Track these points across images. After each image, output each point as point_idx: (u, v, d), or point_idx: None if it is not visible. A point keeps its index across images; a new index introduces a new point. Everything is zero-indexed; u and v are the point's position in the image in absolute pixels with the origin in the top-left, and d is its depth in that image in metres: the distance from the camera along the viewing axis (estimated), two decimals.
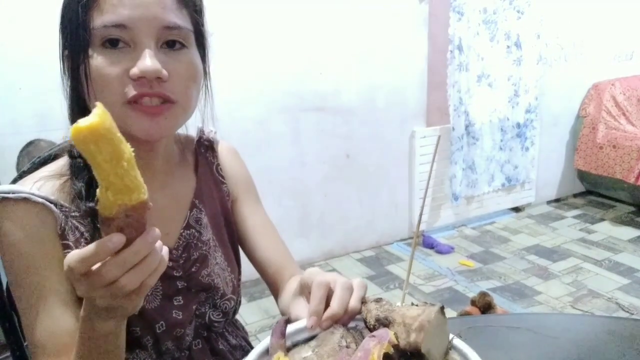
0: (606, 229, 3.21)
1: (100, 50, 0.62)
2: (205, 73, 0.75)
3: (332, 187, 2.89)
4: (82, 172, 0.69)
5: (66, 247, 0.68)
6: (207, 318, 0.81)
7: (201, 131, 0.88)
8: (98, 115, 0.41)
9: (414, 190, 3.13)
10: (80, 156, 0.69)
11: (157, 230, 0.48)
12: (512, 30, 3.07)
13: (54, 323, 0.65)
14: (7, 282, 0.87)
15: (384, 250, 3.08)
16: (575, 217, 3.46)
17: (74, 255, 0.46)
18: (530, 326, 0.84)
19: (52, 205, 0.67)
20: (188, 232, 0.79)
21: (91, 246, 0.45)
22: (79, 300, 0.64)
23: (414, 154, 3.07)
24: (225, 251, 0.84)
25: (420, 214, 0.60)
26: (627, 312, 2.28)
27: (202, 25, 0.71)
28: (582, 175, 3.78)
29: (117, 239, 0.45)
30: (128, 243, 0.46)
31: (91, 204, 0.67)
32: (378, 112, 2.90)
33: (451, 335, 0.47)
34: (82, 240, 0.69)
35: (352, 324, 0.52)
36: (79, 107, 0.68)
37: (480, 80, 3.04)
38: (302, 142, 2.71)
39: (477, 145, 3.14)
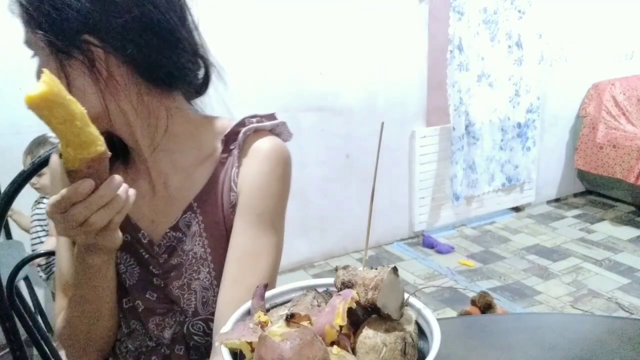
0: (606, 229, 3.21)
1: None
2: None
3: (332, 187, 2.89)
4: None
5: None
6: (184, 329, 0.74)
7: (240, 123, 0.76)
8: (45, 82, 0.46)
9: (414, 190, 3.13)
10: None
11: (119, 177, 0.57)
12: (513, 30, 3.07)
13: (62, 264, 0.77)
14: (7, 282, 0.87)
15: (384, 250, 3.08)
16: (575, 217, 3.46)
17: (51, 200, 0.54)
18: (530, 326, 0.84)
19: None
20: (174, 233, 0.74)
21: (64, 191, 0.53)
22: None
23: (414, 154, 3.07)
24: (218, 268, 0.72)
25: (370, 218, 0.61)
26: (627, 312, 2.28)
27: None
28: (582, 175, 3.78)
29: (87, 184, 0.53)
30: (94, 190, 0.54)
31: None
32: (378, 112, 2.90)
33: (407, 295, 0.55)
34: None
35: (323, 289, 0.59)
36: None
37: (480, 80, 3.04)
38: (302, 142, 2.71)
39: (477, 145, 3.14)
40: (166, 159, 0.75)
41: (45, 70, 0.47)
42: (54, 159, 0.80)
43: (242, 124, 0.76)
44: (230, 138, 0.75)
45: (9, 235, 2.12)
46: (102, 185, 0.55)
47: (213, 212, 0.74)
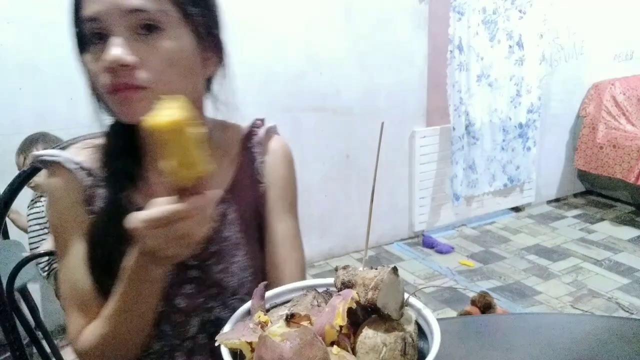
0: (606, 229, 3.21)
1: (89, 48, 0.66)
2: (212, 57, 0.74)
3: (332, 187, 2.89)
4: (112, 144, 0.75)
5: (91, 213, 0.73)
6: (213, 314, 0.79)
7: (254, 124, 0.85)
8: (181, 109, 0.49)
9: (414, 190, 3.14)
10: (110, 134, 0.75)
11: (218, 191, 0.61)
12: (514, 30, 3.07)
13: (77, 278, 0.73)
14: (7, 282, 0.87)
15: (384, 250, 3.08)
16: (575, 217, 3.46)
17: (147, 215, 0.54)
18: (530, 326, 0.84)
19: (81, 172, 0.74)
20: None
21: (173, 206, 0.54)
22: (93, 271, 0.72)
23: (414, 154, 3.07)
24: (251, 251, 0.80)
25: (370, 218, 0.61)
26: (627, 312, 2.28)
27: (188, 4, 0.67)
28: (582, 175, 3.78)
29: (203, 200, 0.55)
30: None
31: (107, 172, 0.73)
32: (378, 112, 2.90)
33: (407, 295, 0.55)
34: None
35: (322, 289, 0.60)
36: (98, 98, 0.74)
37: (480, 80, 3.04)
38: (302, 142, 2.71)
39: (477, 145, 3.14)
40: None
41: (179, 97, 0.51)
42: (56, 183, 0.74)
43: (256, 125, 0.85)
44: (250, 136, 0.84)
45: (5, 235, 2.12)
46: (203, 198, 0.55)
47: (244, 202, 0.81)
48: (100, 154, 0.75)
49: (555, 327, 0.83)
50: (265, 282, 0.59)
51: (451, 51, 2.89)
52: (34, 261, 2.06)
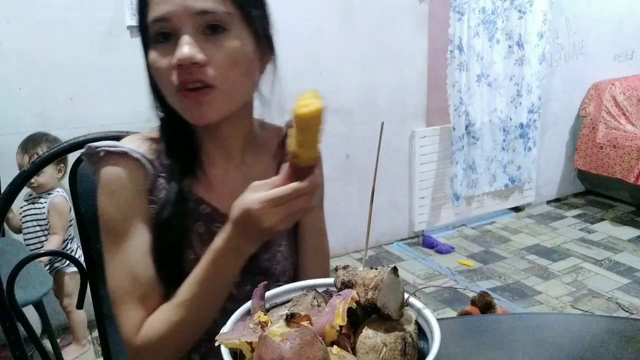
0: (606, 229, 3.21)
1: (154, 46, 0.70)
2: (266, 54, 0.77)
3: (332, 187, 2.88)
4: (168, 136, 0.78)
5: (152, 203, 0.75)
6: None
7: (288, 124, 0.89)
8: (319, 99, 0.57)
9: (414, 190, 3.14)
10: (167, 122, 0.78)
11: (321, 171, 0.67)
12: (513, 30, 3.07)
13: (138, 269, 0.72)
14: (7, 282, 0.87)
15: (384, 250, 3.08)
16: (575, 216, 3.46)
17: (269, 195, 0.61)
18: (530, 326, 0.84)
19: (146, 162, 0.75)
20: None
21: (295, 184, 0.61)
22: (155, 259, 0.74)
23: (414, 154, 3.07)
24: (290, 241, 0.85)
25: (370, 218, 0.62)
26: (627, 312, 2.28)
27: (249, 6, 0.71)
28: (582, 175, 3.78)
29: (319, 177, 0.63)
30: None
31: (170, 161, 0.75)
32: (378, 112, 2.90)
33: (407, 295, 0.55)
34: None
35: (322, 289, 0.60)
36: (157, 96, 0.77)
37: (480, 80, 3.04)
38: None
39: (477, 145, 3.14)
40: (241, 144, 0.82)
41: (312, 89, 0.58)
42: (119, 172, 0.74)
43: (289, 124, 0.88)
44: (286, 136, 0.86)
45: (2, 234, 2.11)
46: (315, 176, 0.63)
47: None
48: (159, 146, 0.77)
49: (555, 327, 0.83)
50: (265, 282, 0.60)
51: (451, 51, 2.89)
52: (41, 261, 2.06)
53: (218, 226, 0.76)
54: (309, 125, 0.57)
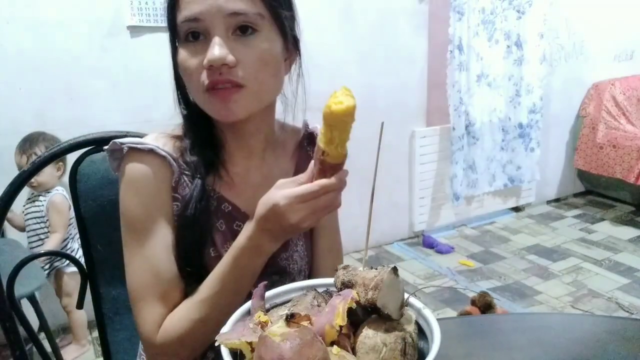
0: (606, 229, 3.21)
1: (184, 45, 0.70)
2: (292, 53, 0.79)
3: None
4: (191, 134, 0.78)
5: (175, 200, 0.75)
6: None
7: (305, 125, 0.91)
8: (352, 97, 0.57)
9: (414, 190, 3.13)
10: (191, 121, 0.78)
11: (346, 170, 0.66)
12: (512, 30, 3.07)
13: (160, 265, 0.72)
14: (7, 282, 0.87)
15: (384, 250, 3.08)
16: (575, 217, 3.46)
17: (297, 192, 0.62)
18: (530, 326, 0.84)
19: (172, 160, 0.75)
20: None
21: (322, 181, 0.62)
22: (177, 256, 0.74)
23: (414, 154, 3.07)
24: (307, 240, 0.86)
25: (370, 218, 0.63)
26: (627, 312, 2.28)
27: (279, 8, 0.72)
28: (582, 175, 3.78)
29: (346, 174, 0.65)
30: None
31: (194, 158, 0.75)
32: (378, 112, 2.90)
33: (407, 295, 0.55)
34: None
35: (322, 289, 0.60)
36: (182, 95, 0.78)
37: (480, 80, 3.04)
38: None
39: (477, 145, 3.14)
40: (263, 143, 0.82)
41: (344, 86, 0.58)
42: (144, 169, 0.74)
43: (306, 125, 0.92)
44: (305, 137, 0.90)
45: (2, 234, 2.12)
46: (342, 175, 0.65)
47: None
48: (183, 143, 0.77)
49: (555, 327, 0.83)
50: (265, 282, 0.60)
51: (451, 51, 2.89)
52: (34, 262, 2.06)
53: (239, 224, 0.77)
54: (341, 122, 0.58)
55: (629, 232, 3.14)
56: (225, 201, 0.77)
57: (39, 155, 1.88)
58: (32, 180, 1.96)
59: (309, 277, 0.86)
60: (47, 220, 2.07)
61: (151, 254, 0.72)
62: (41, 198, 2.07)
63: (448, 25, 2.85)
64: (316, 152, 0.62)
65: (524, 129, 3.28)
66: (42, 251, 2.04)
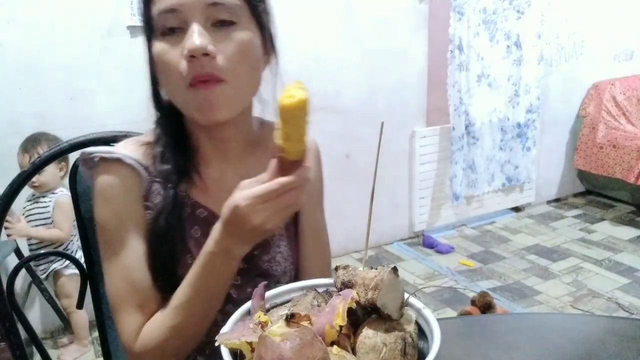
0: (606, 229, 3.21)
1: (160, 39, 0.68)
2: (270, 49, 0.77)
3: (332, 187, 2.88)
4: (163, 140, 0.76)
5: (147, 209, 0.73)
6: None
7: None
8: (304, 90, 0.56)
9: (414, 190, 3.13)
10: (162, 126, 0.77)
11: (309, 166, 0.62)
12: (512, 30, 3.07)
13: (135, 275, 0.72)
14: (7, 282, 0.87)
15: (384, 250, 3.08)
16: (575, 217, 3.46)
17: (256, 191, 0.59)
18: (530, 326, 0.84)
19: (141, 168, 0.73)
20: None
21: (283, 179, 0.59)
22: (150, 266, 0.73)
23: (414, 154, 3.07)
24: (290, 243, 0.84)
25: (370, 218, 0.62)
26: (627, 312, 2.28)
27: (258, 1, 0.71)
28: (582, 175, 3.78)
29: (307, 170, 0.61)
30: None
31: (166, 166, 0.74)
32: (378, 112, 2.90)
33: (407, 295, 0.55)
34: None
35: (322, 289, 0.60)
36: (155, 91, 0.76)
37: (480, 80, 3.04)
38: None
39: (477, 145, 3.14)
40: (240, 145, 0.80)
41: (297, 80, 0.57)
42: (113, 180, 0.73)
43: None
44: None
45: None
46: (303, 170, 0.61)
47: None
48: (154, 150, 0.75)
49: (555, 327, 0.83)
50: (265, 282, 0.60)
51: (451, 51, 2.89)
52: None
53: None
54: (294, 116, 0.56)
55: (629, 232, 3.14)
56: (200, 207, 0.75)
57: (40, 154, 1.89)
58: (34, 180, 1.97)
59: (296, 278, 0.85)
60: (51, 220, 2.07)
61: (126, 264, 0.72)
62: (46, 198, 2.08)
63: (448, 25, 2.85)
64: (275, 149, 0.60)
65: (522, 128, 3.28)
66: (42, 251, 2.05)
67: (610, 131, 3.42)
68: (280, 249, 0.82)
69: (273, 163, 0.61)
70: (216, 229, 0.64)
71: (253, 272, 0.78)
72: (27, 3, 2.05)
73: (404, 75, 2.95)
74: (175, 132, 0.76)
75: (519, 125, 3.27)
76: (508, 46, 3.09)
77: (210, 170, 0.78)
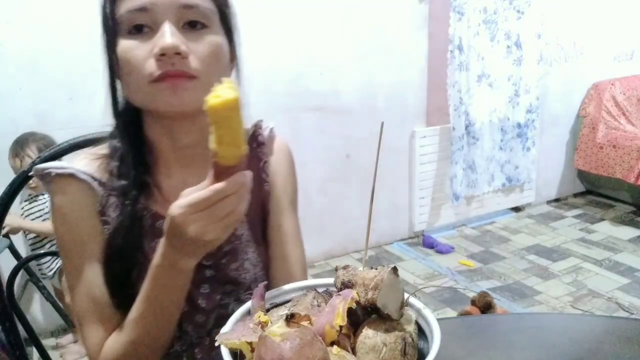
0: (606, 229, 3.21)
1: (127, 37, 0.66)
2: (235, 56, 0.77)
3: (332, 187, 2.89)
4: (119, 153, 0.74)
5: (105, 224, 0.72)
6: (229, 309, 0.79)
7: (256, 125, 0.85)
8: (233, 90, 0.52)
9: (414, 191, 3.13)
10: (120, 137, 0.75)
11: (249, 172, 0.58)
12: (512, 30, 3.07)
13: (95, 291, 0.71)
14: (7, 282, 0.87)
15: (384, 250, 3.08)
16: (575, 217, 3.46)
17: (190, 200, 0.55)
18: (530, 326, 0.84)
19: (95, 183, 0.72)
20: None
21: (216, 186, 0.54)
22: (109, 282, 0.71)
23: (414, 154, 3.07)
24: (259, 248, 0.82)
25: (370, 218, 0.61)
26: (627, 312, 2.28)
27: (226, 6, 0.72)
28: (582, 175, 3.78)
29: (246, 175, 0.56)
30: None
31: (123, 182, 0.72)
32: (378, 112, 2.90)
33: (407, 295, 0.54)
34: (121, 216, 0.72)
35: (322, 289, 0.60)
36: (113, 90, 0.75)
37: (480, 80, 3.04)
38: (302, 142, 2.71)
39: (477, 145, 3.14)
40: (205, 151, 0.79)
41: (226, 79, 0.53)
42: (67, 197, 0.72)
43: (258, 126, 0.85)
44: (254, 139, 0.84)
45: None
46: (243, 176, 0.57)
47: (252, 201, 0.79)
48: (109, 163, 0.73)
49: (555, 327, 0.83)
50: (265, 282, 0.59)
51: (451, 51, 2.89)
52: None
53: None
54: (224, 118, 0.53)
55: (629, 232, 3.14)
56: (161, 218, 0.72)
57: (31, 156, 1.88)
58: (31, 181, 1.96)
59: (271, 283, 0.82)
60: (50, 217, 2.07)
61: (87, 279, 0.71)
62: (43, 196, 2.07)
63: (448, 25, 2.85)
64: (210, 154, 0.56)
65: (522, 128, 3.29)
66: (42, 251, 2.05)
67: (610, 131, 3.42)
68: (247, 255, 0.80)
69: (211, 169, 0.57)
70: (161, 242, 0.62)
71: (221, 280, 0.77)
72: (27, 3, 2.05)
73: (404, 76, 2.95)
74: (134, 143, 0.74)
75: (519, 125, 3.27)
76: (508, 46, 3.09)
77: (171, 179, 0.76)
